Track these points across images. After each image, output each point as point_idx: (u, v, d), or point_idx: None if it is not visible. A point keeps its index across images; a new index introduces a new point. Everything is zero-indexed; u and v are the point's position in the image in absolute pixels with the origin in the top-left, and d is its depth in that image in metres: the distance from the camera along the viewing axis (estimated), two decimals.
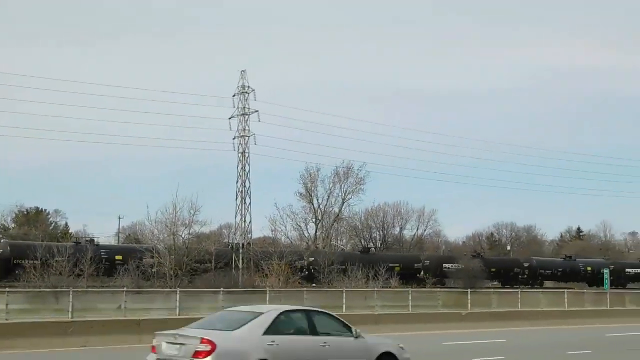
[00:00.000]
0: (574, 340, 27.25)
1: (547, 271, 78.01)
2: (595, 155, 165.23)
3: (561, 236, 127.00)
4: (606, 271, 69.42)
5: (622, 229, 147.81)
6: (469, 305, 37.77)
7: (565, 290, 46.38)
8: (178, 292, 29.19)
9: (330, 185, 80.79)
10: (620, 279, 75.57)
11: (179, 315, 27.25)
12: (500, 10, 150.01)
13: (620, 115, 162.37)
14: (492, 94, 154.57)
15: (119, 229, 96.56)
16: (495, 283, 73.05)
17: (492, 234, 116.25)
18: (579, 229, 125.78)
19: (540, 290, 52.46)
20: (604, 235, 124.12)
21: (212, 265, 54.76)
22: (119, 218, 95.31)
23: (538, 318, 36.17)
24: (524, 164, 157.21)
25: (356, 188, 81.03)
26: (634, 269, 79.48)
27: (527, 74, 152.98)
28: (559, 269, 78.88)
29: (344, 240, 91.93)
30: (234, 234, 69.25)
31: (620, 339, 28.51)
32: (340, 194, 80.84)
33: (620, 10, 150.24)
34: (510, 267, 74.99)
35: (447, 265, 71.49)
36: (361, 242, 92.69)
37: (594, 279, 75.50)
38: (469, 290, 40.93)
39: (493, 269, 72.62)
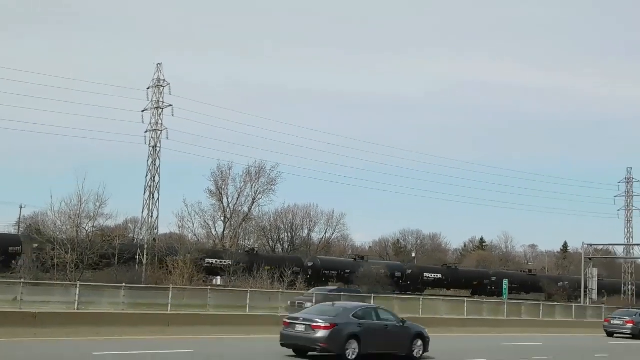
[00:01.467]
0: (469, 347, 27.92)
1: (430, 277, 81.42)
2: (499, 168, 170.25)
3: (465, 245, 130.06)
4: (505, 281, 71.48)
5: (523, 242, 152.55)
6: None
7: (465, 299, 47.42)
8: (78, 286, 28.44)
9: (242, 185, 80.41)
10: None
11: (77, 309, 26.59)
12: (419, 20, 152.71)
13: (525, 131, 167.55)
14: (405, 102, 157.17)
15: (19, 218, 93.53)
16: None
17: (398, 240, 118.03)
18: (482, 239, 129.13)
19: (441, 298, 53.63)
20: (505, 247, 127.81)
21: (116, 260, 53.72)
22: (21, 207, 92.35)
23: (438, 325, 36.79)
24: (433, 172, 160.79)
25: (267, 188, 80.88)
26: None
27: (441, 85, 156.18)
28: (441, 277, 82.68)
29: (252, 240, 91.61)
30: (140, 229, 68.17)
31: (514, 348, 29.37)
32: (250, 194, 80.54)
33: (536, 29, 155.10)
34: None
35: (347, 270, 72.63)
36: (269, 243, 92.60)
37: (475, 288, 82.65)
38: (372, 295, 41.38)
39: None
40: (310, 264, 72.63)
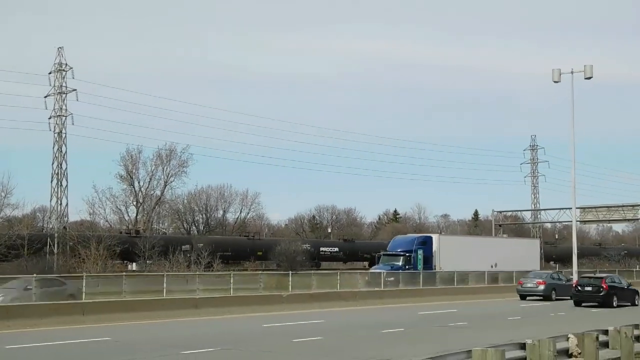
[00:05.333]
0: (388, 319, 28.32)
1: (327, 251, 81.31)
2: (410, 141, 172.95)
3: (379, 218, 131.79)
4: (420, 251, 72.51)
5: (435, 212, 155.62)
6: (290, 287, 38.32)
7: (382, 272, 48.05)
8: None
9: (152, 168, 79.35)
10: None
11: None
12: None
13: (434, 104, 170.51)
14: (316, 80, 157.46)
15: None
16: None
17: (313, 216, 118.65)
18: (395, 211, 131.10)
19: (359, 271, 54.45)
20: (419, 218, 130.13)
21: (25, 251, 52.24)
22: None
23: (356, 298, 37.23)
24: (345, 148, 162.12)
25: (179, 171, 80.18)
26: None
27: (352, 63, 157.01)
28: (338, 251, 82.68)
29: (166, 224, 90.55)
30: (49, 217, 66.45)
31: (430, 317, 29.95)
32: (162, 177, 79.60)
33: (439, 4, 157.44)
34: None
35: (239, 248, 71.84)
36: (184, 226, 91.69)
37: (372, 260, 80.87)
38: (290, 272, 41.51)
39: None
40: (200, 245, 69.66)
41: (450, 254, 56.36)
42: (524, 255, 64.98)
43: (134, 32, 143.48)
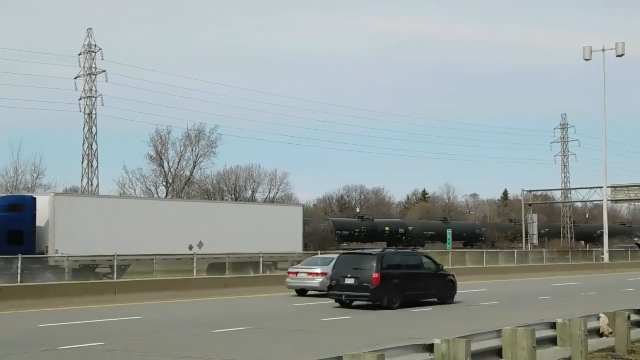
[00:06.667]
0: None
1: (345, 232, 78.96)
2: (438, 120, 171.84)
3: (407, 198, 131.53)
4: (449, 231, 72.53)
5: (464, 191, 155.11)
6: None
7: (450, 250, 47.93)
8: (20, 259, 28.11)
9: (182, 148, 79.63)
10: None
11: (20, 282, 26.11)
12: None
13: (462, 83, 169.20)
14: (349, 59, 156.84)
15: None
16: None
17: (342, 196, 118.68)
18: (424, 191, 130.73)
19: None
20: (447, 197, 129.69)
21: None
22: None
23: None
24: (373, 128, 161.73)
25: (208, 151, 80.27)
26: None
27: (382, 43, 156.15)
28: (357, 230, 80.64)
29: None
30: None
31: (461, 296, 29.83)
32: (191, 157, 79.87)
33: None
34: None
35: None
36: None
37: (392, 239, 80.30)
38: (319, 251, 41.53)
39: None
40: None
41: (91, 227, 36.00)
42: (278, 229, 43.88)
43: (161, 13, 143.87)
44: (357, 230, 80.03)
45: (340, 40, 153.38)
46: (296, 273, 29.82)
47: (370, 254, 25.25)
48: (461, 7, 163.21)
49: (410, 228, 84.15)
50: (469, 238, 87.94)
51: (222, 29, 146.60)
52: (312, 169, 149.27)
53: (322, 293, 27.57)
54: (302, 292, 29.97)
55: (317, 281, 28.81)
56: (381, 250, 27.61)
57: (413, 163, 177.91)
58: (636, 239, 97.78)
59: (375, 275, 23.67)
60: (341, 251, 35.33)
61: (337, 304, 24.68)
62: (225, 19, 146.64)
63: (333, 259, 27.98)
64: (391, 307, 23.73)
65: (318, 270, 28.91)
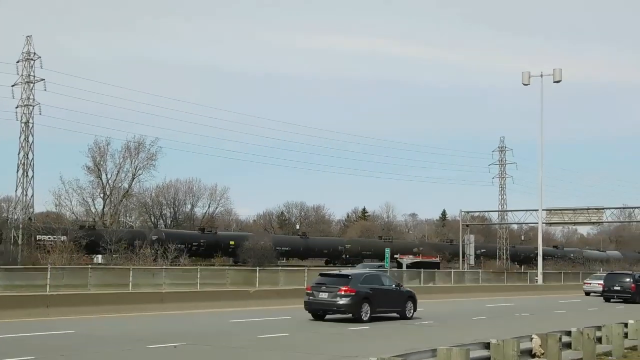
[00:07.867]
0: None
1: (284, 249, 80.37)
2: (380, 139, 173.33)
3: (348, 216, 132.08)
4: (387, 250, 72.95)
5: (404, 211, 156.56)
6: (257, 283, 38.24)
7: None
8: None
9: (121, 160, 78.72)
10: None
11: None
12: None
13: (403, 102, 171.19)
14: (284, 77, 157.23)
15: None
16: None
17: (282, 212, 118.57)
18: (364, 209, 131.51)
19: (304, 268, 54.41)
20: (387, 216, 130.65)
21: None
22: None
23: None
24: (314, 145, 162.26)
25: (148, 164, 79.58)
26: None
27: (320, 59, 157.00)
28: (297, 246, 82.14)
29: (133, 217, 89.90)
30: (14, 208, 65.59)
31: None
32: (130, 170, 78.99)
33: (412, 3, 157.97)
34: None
35: (194, 243, 70.69)
36: (151, 219, 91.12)
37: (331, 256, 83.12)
38: (257, 268, 41.47)
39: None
40: (154, 237, 66.44)
41: None
42: None
43: (104, 24, 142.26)
44: (297, 246, 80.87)
45: (286, 58, 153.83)
46: None
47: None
48: (401, 26, 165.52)
49: (347, 246, 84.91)
50: None
51: (168, 41, 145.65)
52: (252, 184, 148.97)
53: None
54: None
55: None
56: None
57: (354, 181, 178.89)
58: None
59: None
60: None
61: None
62: (170, 29, 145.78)
63: None
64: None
65: None
